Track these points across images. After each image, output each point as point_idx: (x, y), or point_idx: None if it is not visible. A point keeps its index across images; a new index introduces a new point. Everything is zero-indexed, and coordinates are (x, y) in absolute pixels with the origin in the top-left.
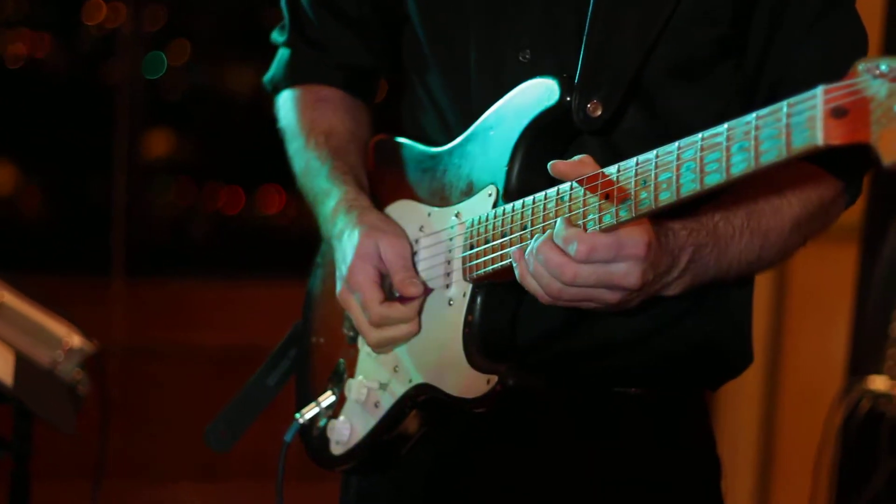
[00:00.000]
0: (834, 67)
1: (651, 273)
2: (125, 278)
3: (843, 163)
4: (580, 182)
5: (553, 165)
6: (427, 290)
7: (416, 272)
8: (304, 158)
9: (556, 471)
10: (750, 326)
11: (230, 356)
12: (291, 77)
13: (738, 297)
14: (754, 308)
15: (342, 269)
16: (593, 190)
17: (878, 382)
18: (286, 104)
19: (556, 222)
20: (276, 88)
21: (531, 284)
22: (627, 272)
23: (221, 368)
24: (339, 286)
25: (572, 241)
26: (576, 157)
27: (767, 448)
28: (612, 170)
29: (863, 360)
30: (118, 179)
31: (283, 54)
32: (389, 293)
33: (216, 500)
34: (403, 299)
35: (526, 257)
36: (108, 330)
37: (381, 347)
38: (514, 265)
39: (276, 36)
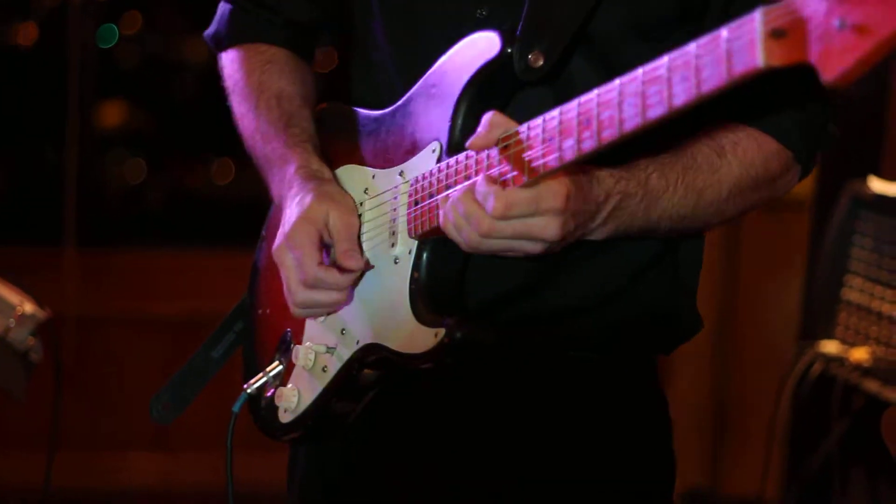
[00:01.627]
0: None
1: (572, 223)
2: (77, 248)
3: (793, 133)
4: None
5: (469, 145)
6: (367, 267)
7: (361, 243)
8: (254, 121)
9: (508, 436)
10: (695, 293)
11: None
12: (236, 35)
13: (688, 263)
14: (709, 274)
15: (285, 227)
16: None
17: (830, 346)
18: (232, 64)
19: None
20: (220, 45)
21: (451, 232)
22: (546, 225)
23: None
24: (277, 242)
25: (489, 198)
26: (483, 122)
27: (721, 412)
28: (522, 127)
29: (815, 324)
30: (70, 149)
31: (225, 9)
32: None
33: (169, 470)
34: (341, 269)
35: (448, 206)
36: (60, 299)
37: (304, 309)
38: (439, 212)
39: None
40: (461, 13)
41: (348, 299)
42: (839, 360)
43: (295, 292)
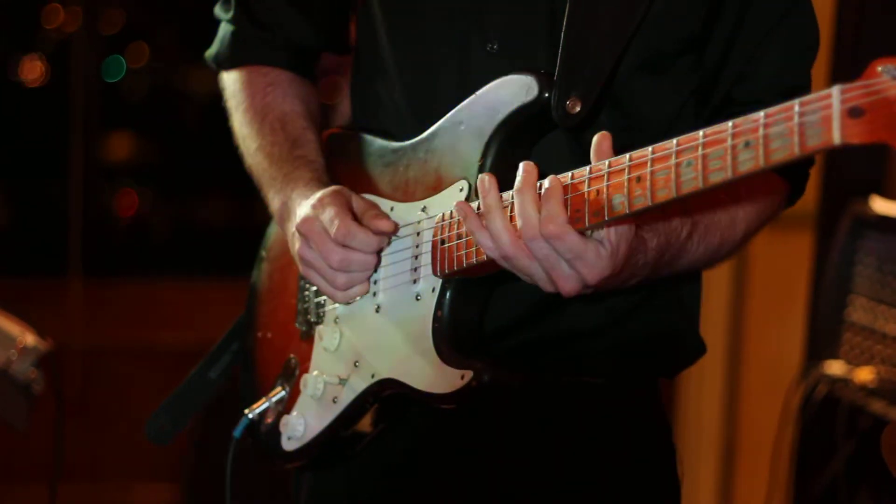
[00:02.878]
0: (792, 67)
1: (591, 290)
2: (83, 279)
3: (794, 169)
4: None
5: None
6: (396, 228)
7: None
8: (259, 143)
9: (513, 460)
10: (698, 318)
11: (189, 355)
12: (237, 57)
13: (690, 289)
14: (715, 297)
15: (312, 201)
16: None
17: (835, 367)
18: (234, 84)
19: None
20: (221, 66)
21: (496, 223)
22: (568, 277)
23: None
24: (302, 213)
25: (555, 218)
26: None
27: (730, 433)
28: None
29: (820, 345)
30: (74, 180)
31: (226, 30)
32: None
33: (175, 500)
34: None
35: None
36: (65, 330)
37: (342, 267)
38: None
39: (220, 11)
40: (471, 46)
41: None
42: (844, 381)
43: (330, 253)
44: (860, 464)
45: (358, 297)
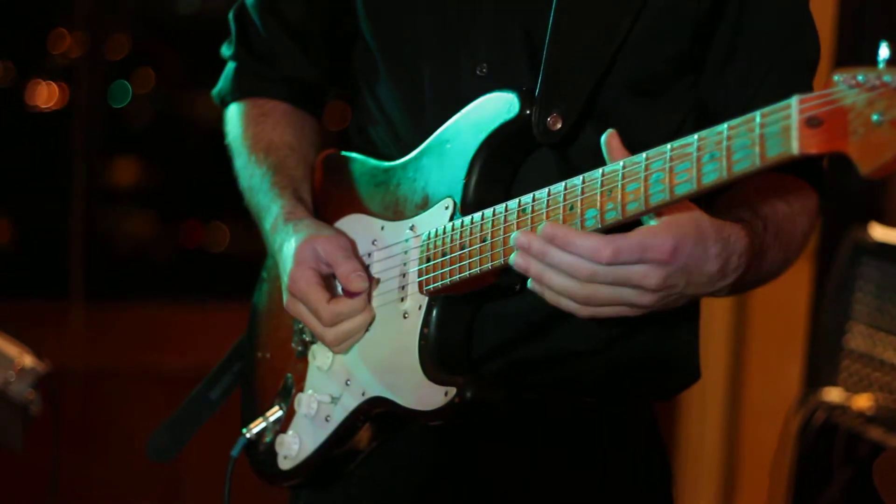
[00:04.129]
0: (793, 86)
1: (679, 278)
2: (84, 302)
3: (818, 176)
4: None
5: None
6: (372, 280)
7: (364, 267)
8: (248, 175)
9: (508, 480)
10: (697, 343)
11: (191, 379)
12: (237, 90)
13: (687, 314)
14: (717, 323)
15: (284, 279)
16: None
17: (833, 394)
18: (233, 119)
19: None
20: (224, 102)
21: (555, 292)
22: (646, 274)
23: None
24: (285, 297)
25: (598, 247)
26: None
27: (730, 459)
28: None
29: (819, 372)
30: (76, 204)
31: (229, 68)
32: (335, 291)
33: None
34: (350, 294)
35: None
36: (67, 353)
37: (340, 344)
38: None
39: (224, 50)
40: (461, 69)
41: (374, 314)
42: (842, 408)
43: (324, 336)
44: (857, 491)
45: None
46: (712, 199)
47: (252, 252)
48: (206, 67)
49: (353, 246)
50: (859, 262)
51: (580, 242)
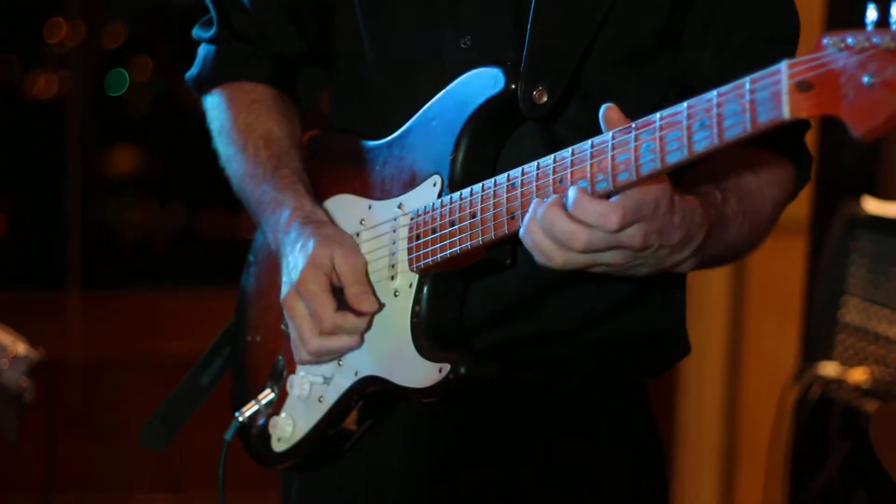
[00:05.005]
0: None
1: (656, 239)
2: (82, 291)
3: (795, 149)
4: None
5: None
6: (380, 307)
7: (373, 289)
8: (243, 164)
9: (502, 460)
10: (684, 316)
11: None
12: (220, 74)
13: (674, 287)
14: (713, 301)
15: (292, 275)
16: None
17: (829, 368)
18: (218, 105)
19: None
20: (202, 86)
21: (544, 251)
22: (633, 235)
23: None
24: (285, 291)
25: (607, 212)
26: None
27: (730, 434)
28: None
29: (814, 346)
30: (73, 193)
31: (208, 50)
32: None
33: None
34: (355, 313)
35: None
36: (65, 343)
37: (316, 357)
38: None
39: (200, 32)
40: (445, 43)
41: (362, 340)
42: (838, 382)
43: (309, 341)
44: (855, 464)
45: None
46: (682, 174)
47: (249, 238)
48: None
49: (365, 267)
50: (853, 235)
51: (591, 207)
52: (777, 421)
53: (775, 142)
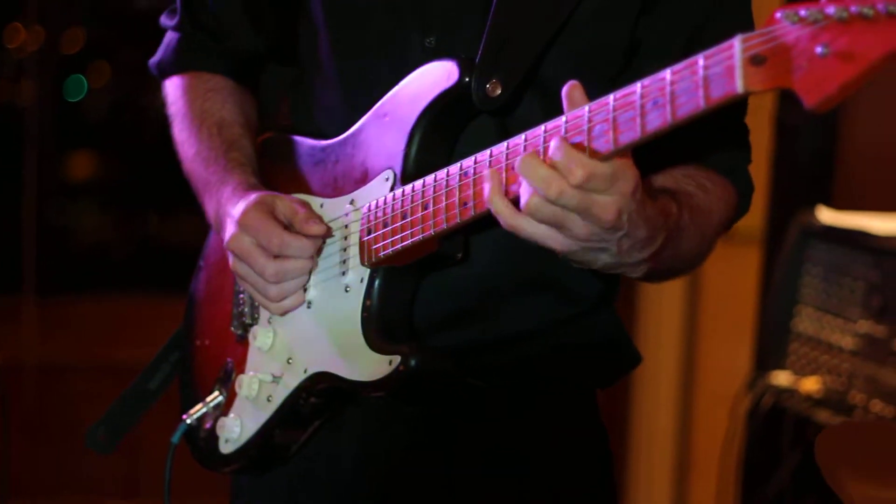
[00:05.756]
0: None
1: (626, 225)
2: (37, 296)
3: (743, 175)
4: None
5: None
6: (328, 231)
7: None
8: (195, 146)
9: (451, 464)
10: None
11: None
12: (180, 63)
13: (614, 296)
14: (668, 310)
15: (235, 216)
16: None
17: (781, 378)
18: (175, 91)
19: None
20: (163, 72)
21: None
22: (607, 204)
23: None
24: (229, 232)
25: (571, 165)
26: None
27: (682, 444)
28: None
29: (767, 355)
30: (28, 198)
31: (171, 38)
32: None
33: None
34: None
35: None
36: (20, 348)
37: (279, 280)
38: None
39: (165, 20)
40: (409, 42)
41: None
42: (790, 392)
43: (264, 268)
44: (806, 474)
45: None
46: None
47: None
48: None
49: (310, 208)
50: (807, 245)
51: (563, 154)
52: (729, 430)
53: (723, 167)
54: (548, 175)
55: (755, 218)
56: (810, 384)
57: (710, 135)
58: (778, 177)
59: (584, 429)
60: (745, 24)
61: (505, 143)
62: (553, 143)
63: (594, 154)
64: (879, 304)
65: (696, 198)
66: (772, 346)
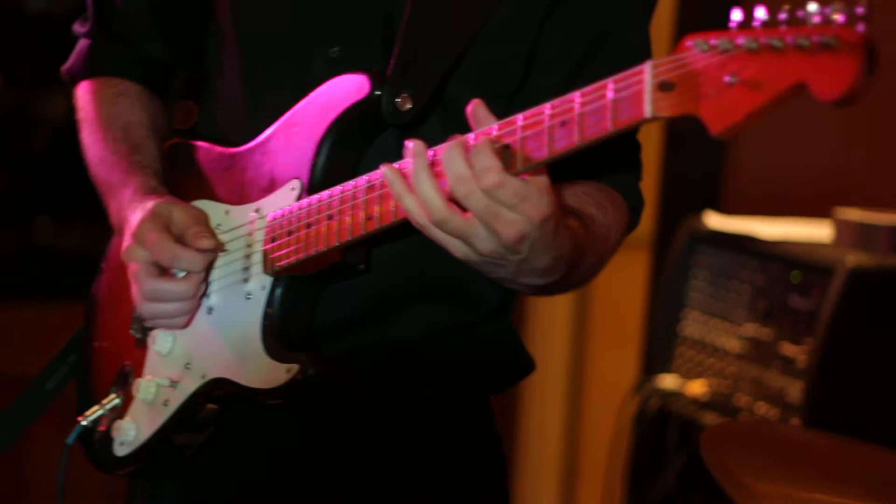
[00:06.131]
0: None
1: (527, 250)
2: None
3: (635, 192)
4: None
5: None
6: (219, 246)
7: (213, 236)
8: (101, 150)
9: (341, 471)
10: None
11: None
12: (91, 68)
13: (513, 304)
14: (558, 316)
15: (132, 227)
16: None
17: (667, 381)
18: (85, 96)
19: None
20: (74, 78)
21: (425, 186)
22: (513, 221)
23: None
24: (125, 244)
25: (488, 171)
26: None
27: (571, 448)
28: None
29: (655, 359)
30: None
31: (82, 44)
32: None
33: None
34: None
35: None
36: None
37: (153, 300)
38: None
39: (78, 27)
40: (313, 52)
41: (206, 288)
42: (676, 395)
43: (143, 284)
44: (691, 476)
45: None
46: None
47: (98, 251)
48: (55, 67)
49: (206, 219)
50: (695, 250)
51: (482, 152)
52: (616, 433)
53: (620, 185)
54: (463, 172)
55: (644, 224)
56: (696, 387)
57: (606, 152)
58: (666, 183)
59: (478, 434)
60: (642, 38)
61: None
62: (478, 142)
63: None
64: (765, 308)
65: (596, 222)
66: (659, 350)
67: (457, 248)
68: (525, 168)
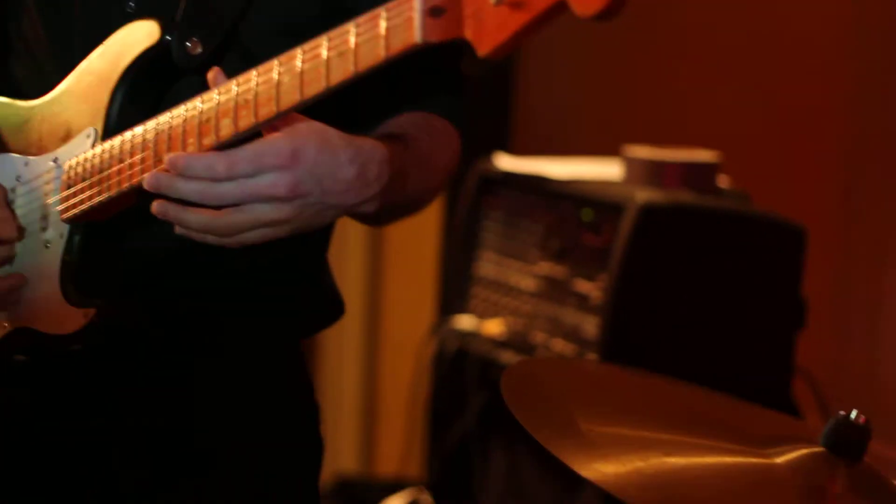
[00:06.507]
0: None
1: (311, 185)
2: None
3: (459, 115)
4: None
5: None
6: (21, 235)
7: (14, 216)
8: None
9: (151, 424)
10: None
11: None
12: None
13: (320, 246)
14: (352, 260)
15: None
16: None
17: (465, 321)
18: None
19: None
20: None
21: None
22: (273, 182)
23: None
24: None
25: (213, 164)
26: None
27: (369, 392)
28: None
29: (451, 301)
30: None
31: None
32: None
33: None
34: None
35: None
36: None
37: None
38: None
39: None
40: (110, 7)
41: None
42: (473, 335)
43: None
44: (491, 414)
45: None
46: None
47: None
48: None
49: (4, 194)
50: (487, 191)
51: (196, 164)
52: (415, 376)
53: (446, 110)
54: (194, 187)
55: None
56: (493, 326)
57: (430, 80)
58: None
59: (290, 380)
60: None
61: (199, 97)
62: (170, 162)
63: (280, 109)
64: (558, 246)
65: (421, 141)
66: (455, 291)
67: (264, 233)
68: (264, 122)
